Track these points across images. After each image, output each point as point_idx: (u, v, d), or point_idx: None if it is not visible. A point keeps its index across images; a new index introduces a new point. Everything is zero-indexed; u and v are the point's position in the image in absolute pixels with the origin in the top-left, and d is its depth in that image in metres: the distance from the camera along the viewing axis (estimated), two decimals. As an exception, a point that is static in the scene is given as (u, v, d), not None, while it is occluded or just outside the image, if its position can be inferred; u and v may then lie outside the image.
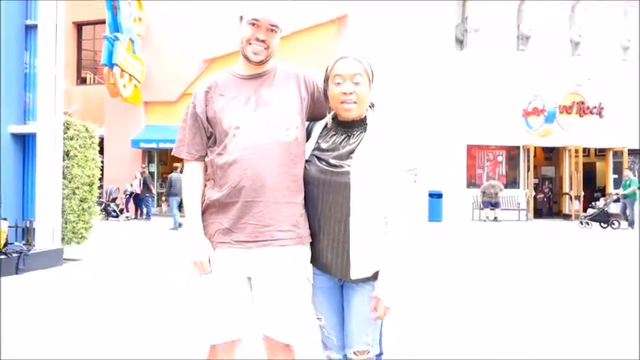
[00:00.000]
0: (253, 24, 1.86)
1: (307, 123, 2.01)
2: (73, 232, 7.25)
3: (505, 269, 6.98)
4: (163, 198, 13.00)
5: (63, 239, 7.07)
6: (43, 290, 5.32)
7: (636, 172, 16.45)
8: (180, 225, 12.84)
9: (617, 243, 10.56)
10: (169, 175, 13.96)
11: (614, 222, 14.13)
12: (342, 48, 15.63)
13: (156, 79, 17.10)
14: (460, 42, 18.23)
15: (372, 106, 2.01)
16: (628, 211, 14.31)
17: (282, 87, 1.94)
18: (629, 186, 14.25)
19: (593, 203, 15.58)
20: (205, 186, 1.96)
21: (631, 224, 14.10)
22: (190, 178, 1.97)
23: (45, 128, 6.77)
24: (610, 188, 18.31)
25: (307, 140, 1.96)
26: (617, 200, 14.82)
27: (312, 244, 1.91)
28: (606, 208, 14.41)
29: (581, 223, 14.41)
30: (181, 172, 11.48)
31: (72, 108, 15.63)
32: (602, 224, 14.25)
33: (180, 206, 13.34)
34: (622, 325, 4.10)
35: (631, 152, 17.80)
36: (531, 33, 17.84)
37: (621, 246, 9.95)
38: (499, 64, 17.24)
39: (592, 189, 19.46)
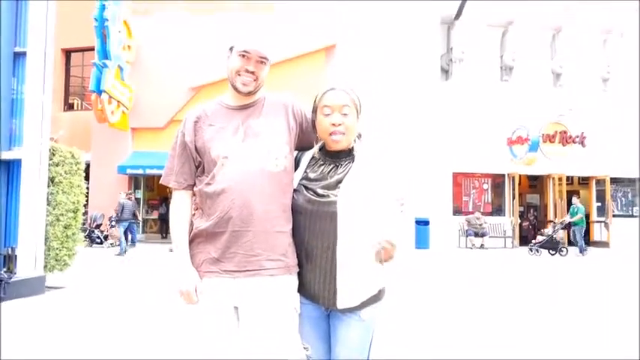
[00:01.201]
0: (243, 55, 1.90)
1: (295, 153, 2.03)
2: (56, 260, 7.13)
3: (491, 296, 6.98)
4: (114, 223, 13.11)
5: (45, 266, 6.94)
6: (24, 319, 5.20)
7: (622, 200, 16.77)
8: (125, 251, 12.98)
9: (589, 270, 10.65)
10: (119, 201, 14.00)
11: (562, 249, 14.38)
12: (330, 77, 15.88)
13: (144, 105, 17.12)
14: (445, 72, 18.60)
15: (359, 136, 2.05)
16: (578, 238, 14.59)
17: (270, 117, 1.97)
18: (577, 213, 14.66)
19: (541, 230, 15.79)
20: (193, 215, 1.97)
21: (581, 251, 14.39)
22: (178, 207, 1.97)
23: (30, 154, 6.72)
24: (594, 216, 18.56)
25: (295, 170, 1.98)
26: (564, 227, 15.10)
27: (299, 273, 1.91)
28: (554, 235, 14.66)
29: (531, 250, 14.56)
30: (128, 197, 11.70)
31: (58, 134, 15.51)
32: (550, 251, 14.46)
33: (126, 231, 13.58)
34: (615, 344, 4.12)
35: (613, 180, 18.11)
36: (514, 64, 18.28)
37: (594, 272, 10.03)
38: (484, 93, 17.58)
39: (576, 217, 19.69)
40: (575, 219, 14.61)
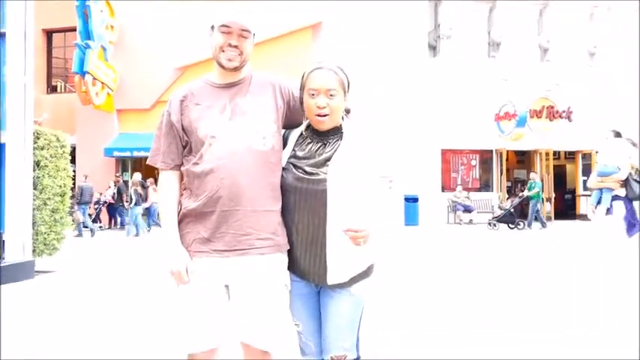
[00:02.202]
0: (224, 31, 1.88)
1: (283, 131, 2.02)
2: (44, 244, 7.10)
3: (481, 271, 7.09)
4: (76, 207, 13.25)
5: (34, 251, 6.91)
6: (14, 304, 5.19)
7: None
8: (93, 232, 13.33)
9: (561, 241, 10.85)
10: (78, 184, 13.99)
11: (520, 223, 14.71)
12: (317, 55, 15.74)
13: (129, 86, 16.88)
14: (433, 48, 18.52)
15: (347, 112, 2.04)
16: (533, 211, 14.97)
17: (257, 95, 1.95)
18: (533, 188, 15.04)
19: (500, 204, 16.02)
20: (182, 195, 1.96)
21: (542, 224, 14.77)
22: (166, 188, 1.96)
23: (14, 138, 6.61)
24: (580, 190, 18.80)
25: (284, 148, 1.98)
26: (521, 202, 15.40)
27: (289, 251, 1.92)
28: (512, 210, 14.94)
29: (489, 224, 14.81)
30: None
31: (42, 117, 15.28)
32: (509, 225, 14.77)
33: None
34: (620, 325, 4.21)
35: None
36: (502, 40, 18.25)
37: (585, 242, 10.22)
38: (471, 70, 17.56)
39: (563, 191, 19.96)
40: (531, 193, 14.92)
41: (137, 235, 13.34)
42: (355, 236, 1.83)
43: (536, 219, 15.10)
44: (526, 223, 14.92)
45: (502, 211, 15.02)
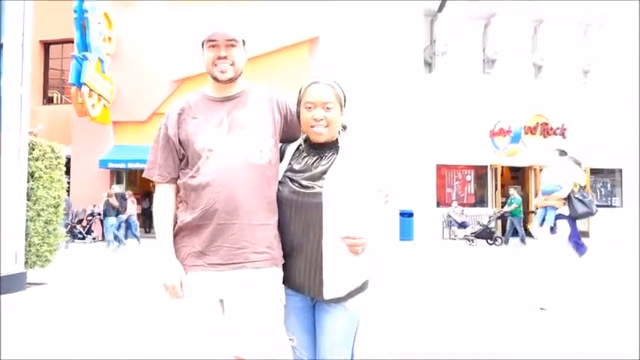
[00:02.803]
0: (211, 45, 1.89)
1: (280, 145, 2.03)
2: (37, 256, 7.03)
3: (475, 285, 7.07)
4: None
5: (26, 262, 6.85)
6: (5, 316, 5.13)
7: (596, 191, 17.14)
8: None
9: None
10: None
11: (497, 239, 14.70)
12: (314, 70, 15.84)
13: (125, 98, 16.89)
14: (428, 64, 18.67)
15: (344, 128, 2.06)
16: (518, 228, 14.83)
17: (255, 110, 1.96)
18: (512, 204, 15.00)
19: (478, 221, 16.02)
20: (177, 208, 1.95)
21: (522, 240, 14.67)
22: (162, 201, 1.95)
23: (9, 149, 6.59)
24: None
25: (280, 162, 1.98)
26: (499, 218, 15.37)
27: (284, 264, 1.92)
28: (490, 226, 14.92)
29: (468, 240, 14.79)
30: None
31: (37, 128, 15.27)
32: (488, 241, 14.76)
33: (118, 228, 13.62)
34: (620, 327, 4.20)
35: (593, 171, 18.43)
36: (496, 56, 18.43)
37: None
38: (466, 86, 17.69)
39: (557, 207, 19.99)
40: (510, 209, 14.87)
41: (119, 245, 13.22)
42: (354, 243, 1.81)
43: (517, 234, 15.01)
44: (503, 239, 14.85)
45: (480, 227, 14.99)
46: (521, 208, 14.91)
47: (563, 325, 4.26)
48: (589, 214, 5.62)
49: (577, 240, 5.60)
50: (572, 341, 3.80)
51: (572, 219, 5.62)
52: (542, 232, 5.77)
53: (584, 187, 6.08)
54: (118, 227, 13.58)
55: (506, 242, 14.85)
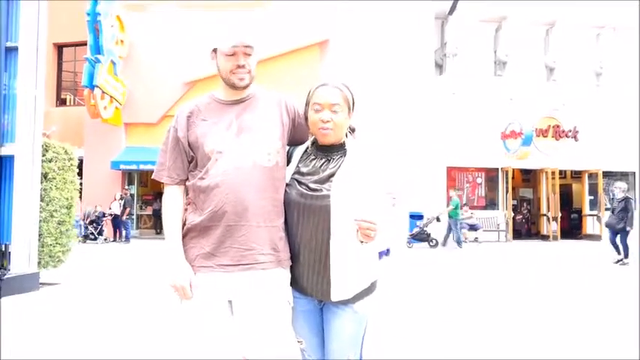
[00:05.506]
0: (230, 53, 1.89)
1: (288, 147, 2.04)
2: (50, 256, 7.12)
3: (487, 288, 7.04)
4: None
5: (39, 263, 6.93)
6: (18, 316, 5.20)
7: (608, 192, 16.92)
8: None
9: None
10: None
11: (432, 240, 14.50)
12: (324, 72, 15.87)
13: (137, 100, 17.04)
14: (439, 67, 18.62)
15: (353, 130, 2.06)
16: (453, 229, 14.69)
17: (263, 112, 1.98)
18: (449, 206, 14.85)
19: (417, 223, 15.72)
20: (186, 210, 1.97)
21: (458, 244, 14.48)
22: (171, 202, 1.97)
23: (23, 150, 6.69)
24: (586, 209, 18.71)
25: (288, 164, 2.00)
26: (437, 219, 15.07)
27: (292, 267, 1.93)
28: (425, 229, 14.70)
29: (408, 243, 14.62)
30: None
31: (51, 129, 15.45)
32: (429, 243, 14.58)
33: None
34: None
35: (605, 174, 18.24)
36: (508, 59, 18.33)
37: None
38: (477, 88, 17.62)
39: (569, 210, 19.84)
40: (447, 210, 14.70)
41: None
42: (368, 227, 1.74)
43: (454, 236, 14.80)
44: (440, 241, 14.70)
45: (418, 229, 14.79)
46: (459, 210, 14.66)
47: (563, 325, 4.23)
48: None
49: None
50: (572, 341, 3.77)
51: None
52: None
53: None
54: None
55: (444, 244, 14.76)
